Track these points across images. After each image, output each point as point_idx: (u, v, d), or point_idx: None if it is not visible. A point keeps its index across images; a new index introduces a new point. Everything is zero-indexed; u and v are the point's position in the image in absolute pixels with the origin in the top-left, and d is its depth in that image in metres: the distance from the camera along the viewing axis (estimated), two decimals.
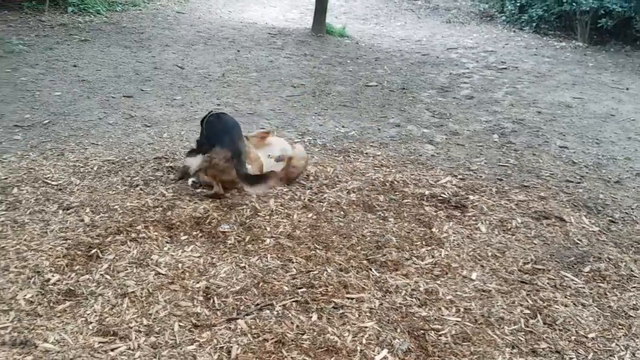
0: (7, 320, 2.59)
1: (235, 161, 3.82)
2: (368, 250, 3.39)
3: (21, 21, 8.87)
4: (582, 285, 3.23)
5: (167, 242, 3.33)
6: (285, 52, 8.85)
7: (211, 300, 2.84)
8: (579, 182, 4.65)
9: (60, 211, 3.59)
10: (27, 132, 4.89)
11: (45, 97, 5.83)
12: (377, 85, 7.35)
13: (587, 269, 3.39)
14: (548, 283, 3.21)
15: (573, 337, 2.78)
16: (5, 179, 3.97)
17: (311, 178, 4.36)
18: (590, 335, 2.80)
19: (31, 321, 2.59)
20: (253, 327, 2.66)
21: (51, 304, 2.72)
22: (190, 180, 4.12)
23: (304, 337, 2.61)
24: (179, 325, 2.64)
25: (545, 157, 5.15)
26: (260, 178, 3.83)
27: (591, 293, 3.16)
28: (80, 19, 9.43)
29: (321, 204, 3.95)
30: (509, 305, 2.99)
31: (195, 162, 4.05)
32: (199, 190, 4.01)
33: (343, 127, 5.67)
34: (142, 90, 6.35)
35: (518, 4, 11.99)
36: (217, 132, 3.99)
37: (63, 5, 9.84)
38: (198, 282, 2.97)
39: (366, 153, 4.97)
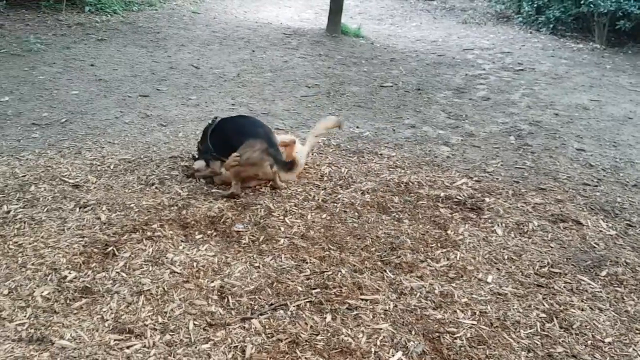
0: (24, 316, 2.62)
1: (272, 151, 3.88)
2: (382, 251, 3.37)
3: (39, 20, 8.97)
4: (599, 289, 3.18)
5: (182, 241, 3.34)
6: (300, 52, 8.86)
7: (225, 300, 2.84)
8: (596, 185, 4.60)
9: (77, 209, 3.62)
10: (45, 131, 4.94)
11: (63, 95, 5.89)
12: (392, 86, 7.33)
13: (604, 273, 3.34)
14: (564, 287, 3.17)
15: (589, 342, 2.74)
16: (24, 176, 4.02)
17: (325, 178, 4.35)
18: (607, 340, 2.76)
19: (48, 318, 2.62)
20: (267, 327, 2.66)
21: (68, 301, 2.74)
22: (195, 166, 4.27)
23: (318, 337, 2.61)
24: (194, 324, 2.65)
25: (562, 160, 5.10)
26: (292, 164, 4.00)
27: (608, 297, 3.11)
28: (97, 19, 9.52)
29: (335, 204, 3.94)
30: (525, 308, 2.96)
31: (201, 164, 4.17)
32: (214, 189, 4.02)
33: (357, 127, 5.66)
34: (158, 89, 6.39)
35: (535, 5, 11.88)
36: (249, 127, 4.01)
37: (80, 5, 9.95)
38: (212, 281, 2.98)
39: (381, 154, 4.95)
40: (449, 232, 3.65)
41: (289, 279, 3.04)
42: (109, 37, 8.52)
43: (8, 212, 3.52)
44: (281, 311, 2.78)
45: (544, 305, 3.00)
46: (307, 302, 2.86)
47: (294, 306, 2.82)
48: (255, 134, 3.95)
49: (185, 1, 12.11)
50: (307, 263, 3.20)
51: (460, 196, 4.16)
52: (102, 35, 8.58)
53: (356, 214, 3.82)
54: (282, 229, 3.56)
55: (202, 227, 3.51)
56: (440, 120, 6.06)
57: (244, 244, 3.37)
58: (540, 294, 3.09)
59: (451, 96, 7.03)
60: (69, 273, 2.95)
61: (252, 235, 3.45)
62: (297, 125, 5.57)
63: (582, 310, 2.98)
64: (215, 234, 3.45)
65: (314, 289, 2.97)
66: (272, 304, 2.82)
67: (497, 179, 4.59)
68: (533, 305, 2.99)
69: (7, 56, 7.06)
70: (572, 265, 3.40)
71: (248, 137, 3.93)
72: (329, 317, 2.75)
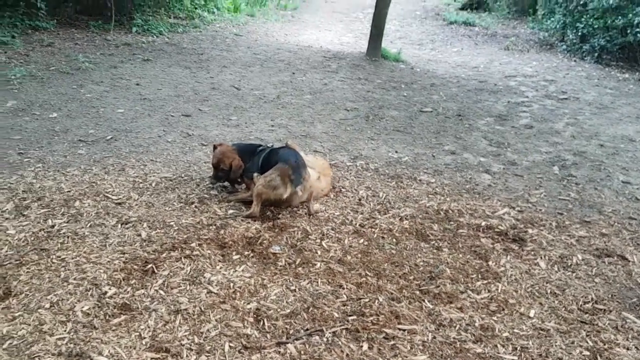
0: (65, 331, 2.65)
1: (294, 177, 3.92)
2: (421, 280, 3.31)
3: (88, 39, 9.27)
4: None
5: (219, 261, 3.36)
6: (340, 75, 8.90)
7: (261, 322, 2.83)
8: None
9: (119, 225, 3.68)
10: (91, 147, 5.07)
11: (109, 113, 6.04)
12: (432, 111, 7.28)
13: None
14: (609, 324, 3.06)
15: None
16: (69, 191, 4.12)
17: (363, 202, 4.32)
18: None
19: (87, 333, 2.64)
20: (302, 352, 2.63)
21: (107, 317, 2.77)
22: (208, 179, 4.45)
23: None
24: (229, 346, 2.64)
25: (607, 192, 4.95)
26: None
27: None
28: (143, 39, 9.78)
29: (373, 229, 3.90)
30: (568, 345, 2.85)
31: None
32: (231, 211, 4.03)
33: (396, 152, 5.63)
34: (200, 109, 6.50)
35: (579, 34, 11.69)
36: (284, 154, 4.06)
37: (128, 26, 10.26)
38: (249, 303, 2.97)
39: (420, 180, 4.90)
40: (490, 263, 3.57)
41: (325, 304, 3.01)
42: (154, 58, 8.73)
43: (53, 226, 3.60)
44: (317, 337, 2.75)
45: (587, 342, 2.89)
46: (343, 329, 2.82)
47: (329, 332, 2.78)
48: (287, 160, 4.00)
49: (228, 24, 12.37)
50: (343, 289, 3.16)
51: (502, 226, 4.08)
52: (148, 56, 8.80)
53: (394, 240, 3.78)
54: (319, 252, 3.54)
55: (240, 248, 3.51)
56: (481, 148, 5.98)
57: (281, 266, 3.36)
58: (584, 330, 2.98)
59: (493, 123, 6.93)
60: (109, 289, 2.99)
61: (289, 258, 3.44)
62: (336, 148, 5.57)
63: (627, 349, 2.86)
64: (252, 255, 3.46)
65: (350, 315, 2.93)
66: (307, 329, 2.79)
67: (541, 209, 4.47)
68: (576, 342, 2.89)
69: (57, 74, 7.29)
70: (617, 302, 3.28)
71: (279, 161, 4.01)
72: (365, 346, 2.70)
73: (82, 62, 7.85)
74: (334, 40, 12.27)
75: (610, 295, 3.34)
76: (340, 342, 2.72)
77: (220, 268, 3.28)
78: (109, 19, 10.00)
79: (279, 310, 2.93)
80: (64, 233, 3.52)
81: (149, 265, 3.22)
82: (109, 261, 3.24)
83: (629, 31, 10.38)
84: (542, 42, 12.91)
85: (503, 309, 3.09)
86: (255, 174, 4.10)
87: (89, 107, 6.18)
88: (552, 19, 12.94)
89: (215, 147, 4.28)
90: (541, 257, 3.70)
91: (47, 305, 2.82)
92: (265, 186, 3.92)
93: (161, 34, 10.27)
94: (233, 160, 4.16)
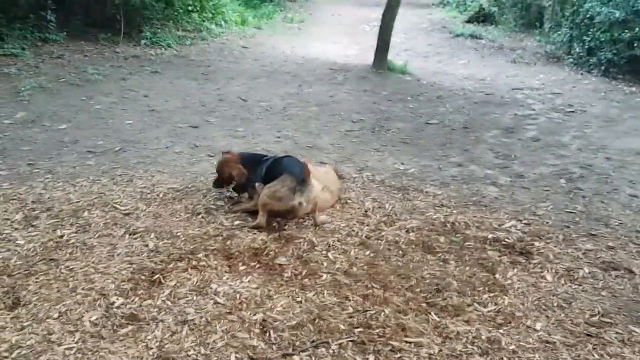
0: (73, 341, 2.67)
1: (300, 188, 3.95)
2: (427, 292, 3.31)
3: (97, 52, 9.39)
4: None
5: (226, 272, 3.37)
6: (346, 87, 8.95)
7: (267, 334, 2.83)
8: None
9: (127, 236, 3.71)
10: (100, 158, 5.12)
11: (118, 125, 6.10)
12: (438, 123, 7.30)
13: None
14: (616, 337, 3.03)
15: None
16: (77, 202, 4.16)
17: (369, 214, 4.33)
18: None
19: (95, 343, 2.66)
20: None
21: (114, 327, 2.79)
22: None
23: None
24: (236, 357, 2.64)
25: (614, 205, 4.93)
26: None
27: None
28: (152, 52, 9.89)
29: (379, 241, 3.90)
30: (574, 358, 2.83)
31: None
32: (237, 222, 4.04)
33: (402, 164, 5.64)
34: (207, 121, 6.55)
35: (586, 47, 11.69)
36: (288, 165, 4.09)
37: (136, 38, 10.39)
38: (255, 314, 2.97)
39: (426, 192, 4.91)
40: (497, 275, 3.55)
41: (331, 316, 3.01)
42: (162, 70, 8.82)
43: (61, 236, 3.64)
44: (323, 349, 2.74)
45: (593, 355, 2.87)
46: (349, 341, 2.81)
47: (335, 344, 2.78)
48: (292, 171, 4.02)
49: (236, 36, 12.49)
50: (349, 300, 3.16)
51: (509, 239, 4.07)
52: (156, 68, 8.89)
53: (400, 252, 3.78)
54: (325, 264, 3.55)
55: (246, 259, 3.53)
56: (488, 160, 5.98)
57: (287, 277, 3.36)
58: (590, 344, 2.96)
59: (500, 135, 6.94)
60: (117, 299, 3.01)
61: (295, 269, 3.45)
62: (342, 160, 5.59)
63: None
64: (258, 265, 3.47)
65: (356, 327, 2.92)
66: (313, 341, 2.79)
67: (547, 222, 4.46)
68: (582, 355, 2.86)
69: (66, 85, 7.38)
70: (624, 315, 3.26)
71: (284, 172, 4.03)
72: (371, 358, 2.70)
73: (91, 74, 7.94)
74: (340, 52, 12.34)
75: (616, 309, 3.32)
76: (346, 354, 2.71)
77: (227, 279, 3.29)
78: (118, 31, 10.12)
79: (285, 321, 2.93)
80: (72, 243, 3.56)
81: (156, 276, 3.24)
82: (116, 271, 3.26)
83: (635, 45, 10.38)
84: (548, 55, 12.93)
85: (510, 322, 3.08)
86: (257, 184, 4.12)
87: (97, 118, 6.25)
88: (559, 32, 12.97)
89: (223, 154, 4.34)
90: (548, 270, 3.68)
91: (56, 315, 2.84)
92: (270, 197, 3.94)
93: (169, 46, 10.38)
94: (233, 169, 4.20)
